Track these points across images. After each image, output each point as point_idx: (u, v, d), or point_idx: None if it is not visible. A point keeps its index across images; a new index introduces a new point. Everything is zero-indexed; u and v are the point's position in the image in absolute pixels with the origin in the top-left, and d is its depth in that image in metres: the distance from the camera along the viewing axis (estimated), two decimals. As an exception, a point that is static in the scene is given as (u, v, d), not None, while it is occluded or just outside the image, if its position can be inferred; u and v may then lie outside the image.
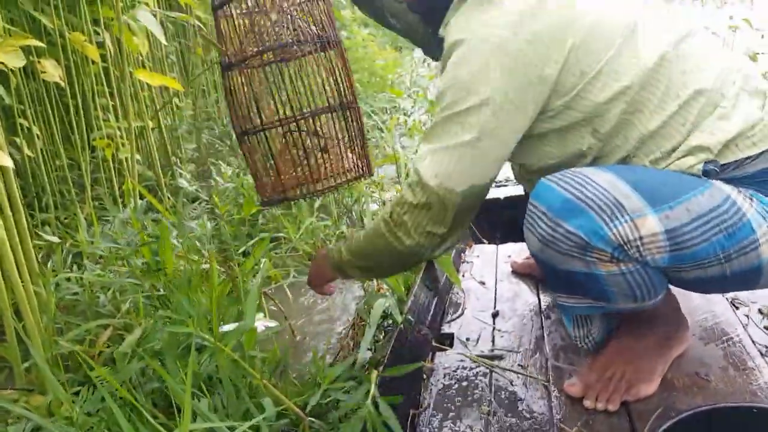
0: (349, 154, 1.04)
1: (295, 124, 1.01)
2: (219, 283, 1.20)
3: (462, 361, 1.14)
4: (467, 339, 1.22)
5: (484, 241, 1.77)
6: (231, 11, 0.93)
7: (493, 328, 1.25)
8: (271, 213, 1.96)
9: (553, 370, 1.07)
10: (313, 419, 0.94)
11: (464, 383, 1.08)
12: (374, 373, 0.93)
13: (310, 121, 1.00)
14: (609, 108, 0.86)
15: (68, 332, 1.20)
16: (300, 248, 1.83)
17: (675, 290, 1.00)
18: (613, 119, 0.87)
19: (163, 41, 1.94)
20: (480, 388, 1.06)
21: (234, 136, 2.92)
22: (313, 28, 0.96)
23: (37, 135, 1.82)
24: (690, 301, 1.18)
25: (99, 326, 1.21)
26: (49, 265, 1.50)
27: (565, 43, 0.84)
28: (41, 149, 1.86)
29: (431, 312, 1.34)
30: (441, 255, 0.99)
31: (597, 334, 1.06)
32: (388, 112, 3.65)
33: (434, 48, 1.06)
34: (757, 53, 3.08)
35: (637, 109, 0.87)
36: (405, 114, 3.60)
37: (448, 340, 1.23)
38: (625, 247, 0.81)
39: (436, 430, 0.96)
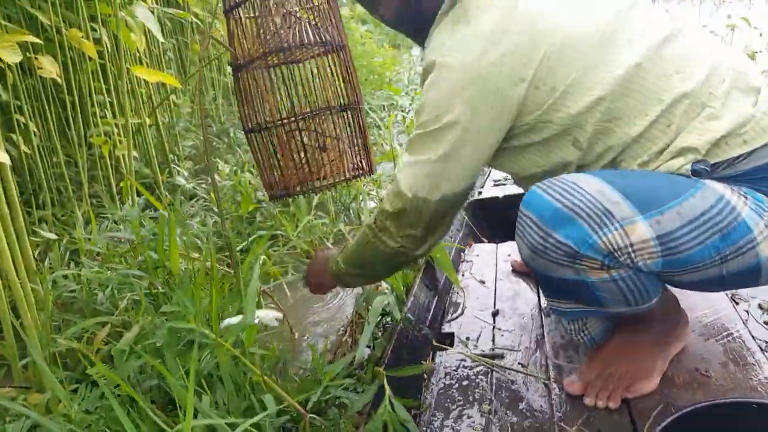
0: (352, 152, 1.07)
1: (299, 122, 1.03)
2: (219, 280, 1.19)
3: (462, 360, 1.14)
4: (467, 338, 1.22)
5: (484, 240, 1.77)
6: (240, 14, 0.97)
7: (494, 327, 1.25)
8: (269, 211, 1.96)
9: (554, 369, 1.07)
10: (314, 416, 0.94)
11: (465, 382, 1.07)
12: (382, 374, 0.93)
13: (316, 120, 1.04)
14: (585, 118, 0.87)
15: (66, 330, 1.19)
16: (298, 246, 1.82)
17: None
18: (590, 129, 0.88)
19: (160, 38, 1.93)
20: (481, 387, 1.05)
21: (231, 134, 2.92)
22: (322, 32, 0.97)
23: (34, 131, 1.81)
24: (689, 297, 1.17)
25: (97, 324, 1.21)
26: (46, 263, 1.49)
27: (532, 62, 0.86)
28: (38, 146, 1.85)
29: (431, 312, 1.34)
30: (428, 251, 1.05)
31: (594, 330, 1.07)
32: (386, 109, 3.65)
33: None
34: (756, 52, 3.08)
35: (615, 117, 0.87)
36: (403, 111, 3.59)
37: (448, 340, 1.23)
38: (616, 255, 0.82)
39: (437, 429, 0.96)
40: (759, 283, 0.88)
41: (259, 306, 1.32)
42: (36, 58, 1.63)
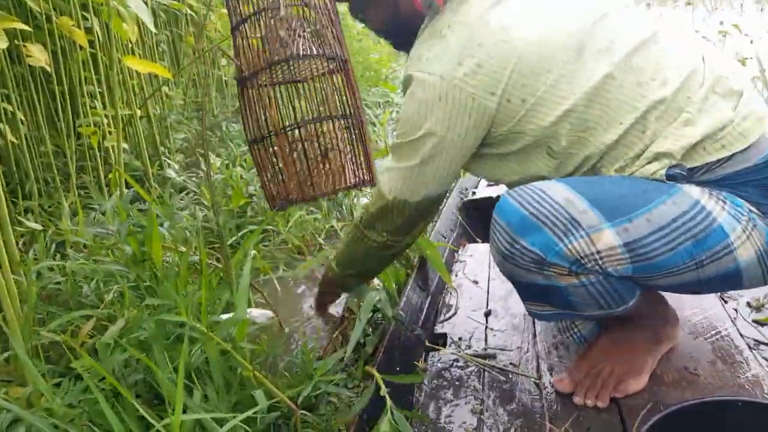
0: (354, 162, 1.11)
1: (301, 129, 1.07)
2: (208, 274, 1.17)
3: (455, 360, 1.13)
4: (460, 338, 1.21)
5: (478, 240, 1.77)
6: (245, 31, 1.02)
7: (486, 327, 1.24)
8: (260, 206, 1.94)
9: (546, 368, 1.07)
10: (305, 412, 0.92)
11: (457, 383, 1.07)
12: (378, 377, 0.92)
13: (318, 127, 1.08)
14: (557, 130, 0.88)
15: (50, 322, 1.16)
16: (289, 241, 1.80)
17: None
18: (564, 140, 0.89)
19: (152, 28, 1.89)
20: (473, 387, 1.05)
21: (224, 127, 2.89)
22: (325, 48, 1.01)
23: (22, 120, 1.78)
24: (678, 296, 1.17)
25: (82, 317, 1.18)
26: (30, 254, 1.46)
27: (503, 77, 0.87)
28: (25, 135, 1.81)
29: (424, 312, 1.33)
30: (416, 239, 1.13)
31: (583, 328, 1.09)
32: (381, 106, 3.64)
33: None
34: (746, 58, 3.11)
35: (588, 127, 0.88)
36: (398, 108, 3.58)
37: (441, 340, 1.22)
38: (582, 261, 0.83)
39: (429, 429, 0.95)
40: (744, 287, 0.89)
41: (248, 301, 1.30)
42: (25, 46, 1.60)
